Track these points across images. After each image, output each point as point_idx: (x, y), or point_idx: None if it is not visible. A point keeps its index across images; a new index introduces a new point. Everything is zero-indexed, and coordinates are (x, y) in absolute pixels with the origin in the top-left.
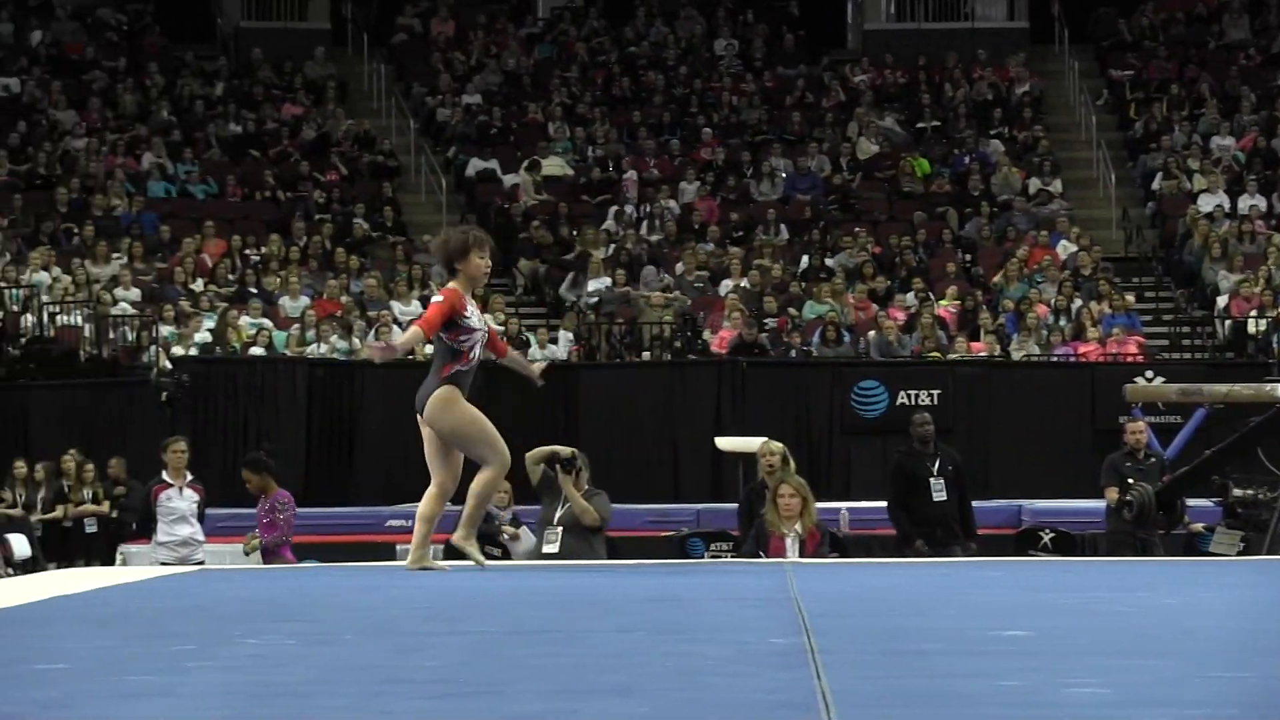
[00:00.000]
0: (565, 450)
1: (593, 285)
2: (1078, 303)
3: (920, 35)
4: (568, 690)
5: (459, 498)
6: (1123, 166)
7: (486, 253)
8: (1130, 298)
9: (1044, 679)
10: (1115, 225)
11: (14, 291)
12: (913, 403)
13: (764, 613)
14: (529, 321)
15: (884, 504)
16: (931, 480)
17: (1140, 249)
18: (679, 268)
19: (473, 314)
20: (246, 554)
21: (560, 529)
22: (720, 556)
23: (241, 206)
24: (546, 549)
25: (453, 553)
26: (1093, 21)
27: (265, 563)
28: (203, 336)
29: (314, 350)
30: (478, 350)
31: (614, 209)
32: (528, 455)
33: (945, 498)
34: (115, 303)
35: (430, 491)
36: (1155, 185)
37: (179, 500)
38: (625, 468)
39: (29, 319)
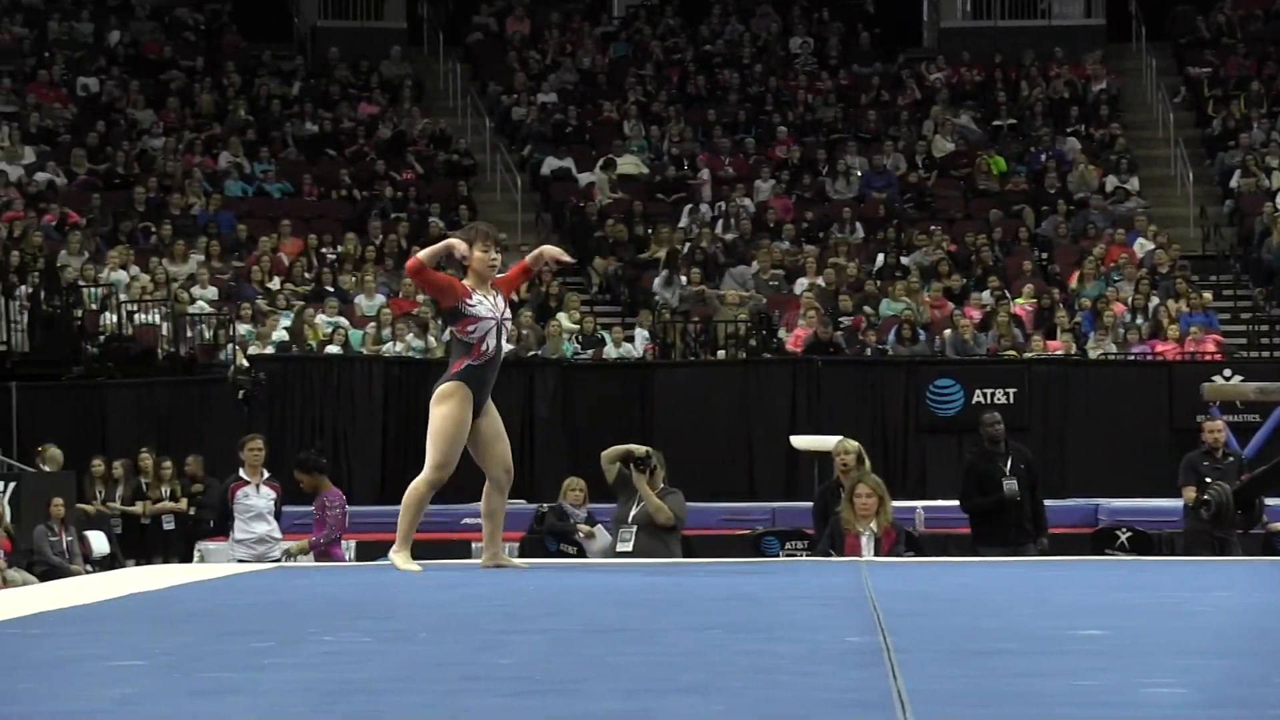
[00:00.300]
0: (640, 449)
1: (656, 283)
2: (1155, 301)
3: (996, 33)
4: (644, 688)
5: (551, 495)
6: (1200, 164)
7: (490, 245)
8: (1208, 295)
9: (1121, 679)
10: (1193, 223)
11: (92, 290)
12: (988, 401)
13: (839, 611)
14: (604, 320)
15: (959, 503)
16: (1004, 480)
17: (1218, 247)
18: (754, 266)
19: (480, 303)
20: (293, 555)
21: (635, 527)
22: (795, 555)
23: (318, 205)
24: (621, 547)
25: (526, 550)
26: (1170, 19)
27: (315, 561)
28: (279, 335)
29: (390, 349)
30: (491, 342)
31: (689, 207)
32: (604, 454)
33: (1019, 498)
34: (192, 301)
35: (486, 487)
36: (1233, 183)
37: (256, 498)
38: (700, 466)
39: (107, 317)
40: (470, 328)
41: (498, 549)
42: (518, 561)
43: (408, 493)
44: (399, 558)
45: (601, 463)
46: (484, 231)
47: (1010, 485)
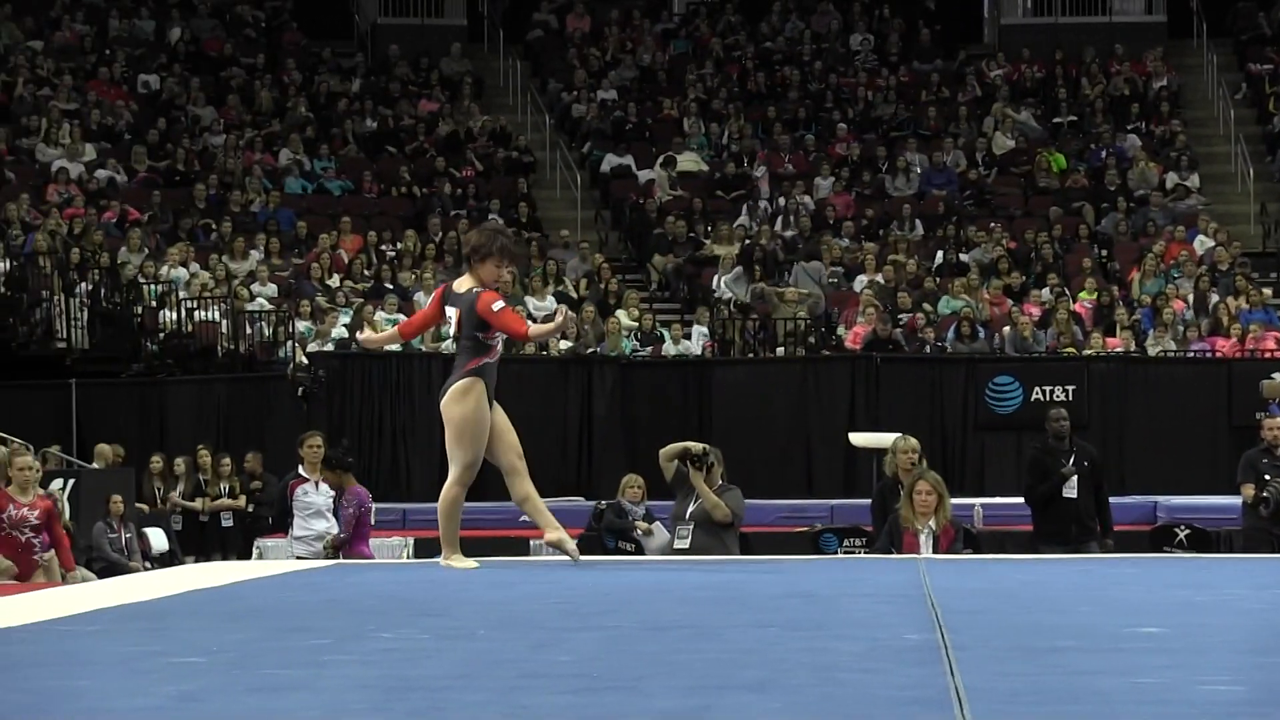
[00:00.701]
0: (696, 446)
1: (727, 280)
2: (1214, 298)
3: (1057, 30)
4: (703, 685)
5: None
6: (1261, 161)
7: (505, 264)
8: (1268, 293)
9: (1180, 676)
10: (1253, 220)
11: (152, 287)
12: (1047, 398)
13: (897, 609)
14: (663, 317)
15: (1018, 500)
16: (1065, 466)
17: (1279, 244)
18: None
19: None
20: (326, 548)
21: (692, 525)
22: (853, 552)
23: (377, 202)
24: (678, 544)
25: (585, 548)
26: (1231, 15)
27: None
28: (338, 332)
29: (449, 346)
30: (501, 343)
31: (748, 205)
32: (661, 451)
33: (1076, 495)
34: (252, 298)
35: (510, 480)
36: None
37: (315, 495)
38: (759, 463)
39: (167, 314)
40: (496, 333)
41: (555, 526)
42: (574, 548)
43: (442, 499)
44: (453, 560)
45: (660, 460)
46: (506, 249)
47: (1068, 467)
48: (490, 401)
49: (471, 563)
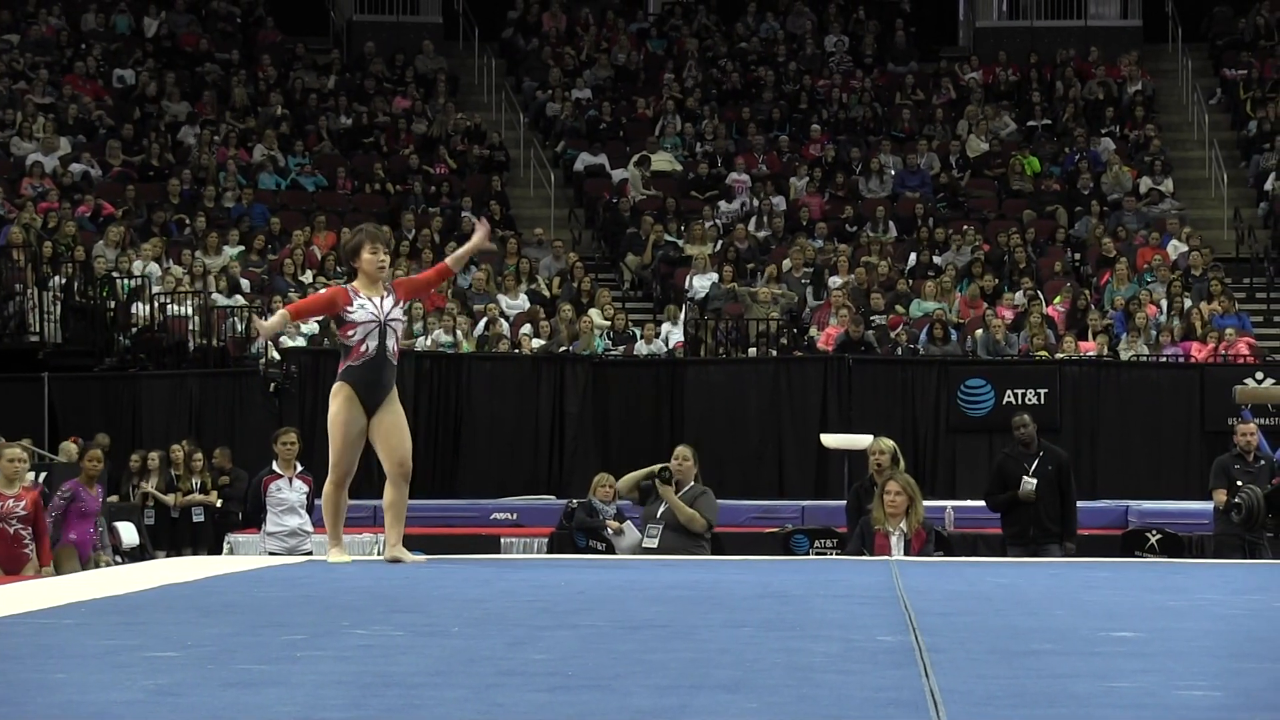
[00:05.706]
0: (656, 468)
1: (699, 281)
2: (1188, 303)
3: (1032, 33)
4: (678, 685)
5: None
6: (1235, 166)
7: (379, 246)
8: (1241, 298)
9: (1156, 681)
10: (1227, 225)
11: (125, 282)
12: (1019, 402)
13: (871, 610)
14: (635, 316)
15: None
16: (1024, 479)
17: (1252, 249)
18: (786, 264)
19: (361, 307)
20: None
21: (661, 525)
22: (824, 553)
23: (351, 199)
24: (647, 544)
25: (556, 546)
26: (1207, 20)
27: None
28: (310, 328)
29: (421, 343)
30: (372, 344)
31: (721, 204)
32: (619, 484)
33: (1036, 498)
34: (230, 295)
35: (388, 483)
36: (1268, 185)
37: (288, 491)
38: (730, 464)
39: (140, 309)
40: (350, 332)
41: (397, 542)
42: (416, 556)
43: (323, 498)
44: (333, 553)
45: (621, 491)
46: (371, 233)
47: (1027, 485)
48: (374, 404)
49: (346, 558)
